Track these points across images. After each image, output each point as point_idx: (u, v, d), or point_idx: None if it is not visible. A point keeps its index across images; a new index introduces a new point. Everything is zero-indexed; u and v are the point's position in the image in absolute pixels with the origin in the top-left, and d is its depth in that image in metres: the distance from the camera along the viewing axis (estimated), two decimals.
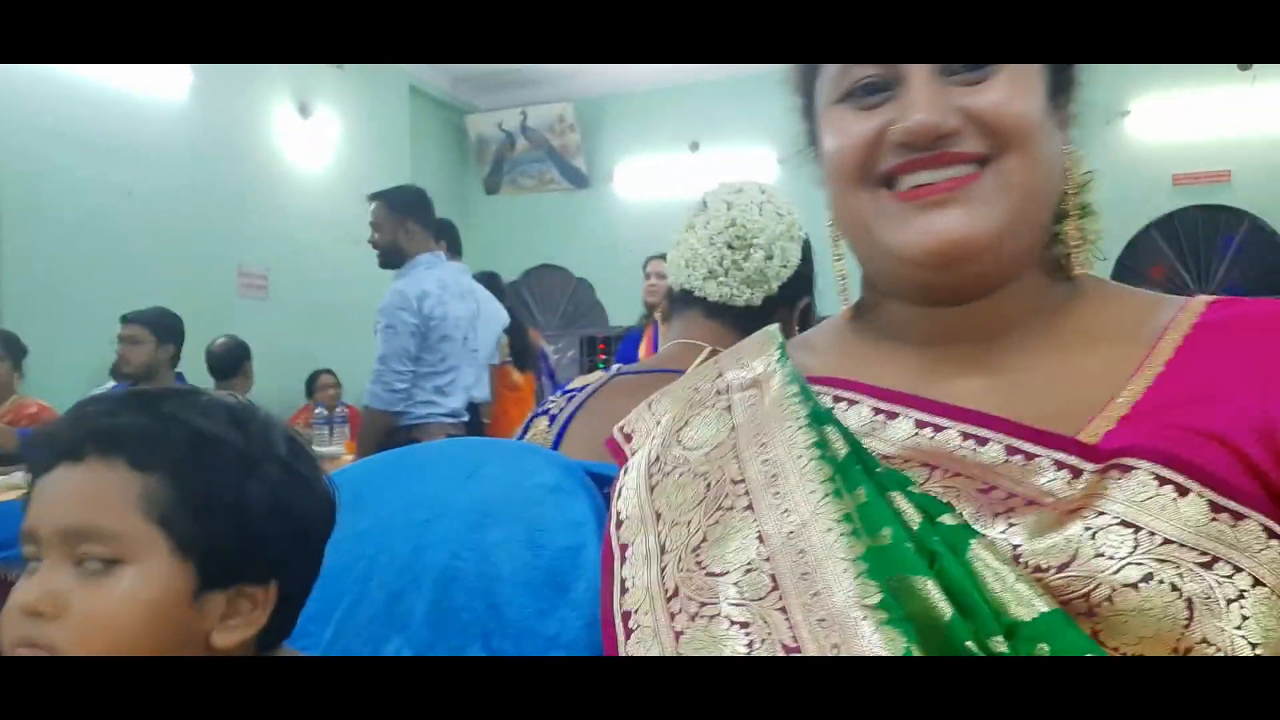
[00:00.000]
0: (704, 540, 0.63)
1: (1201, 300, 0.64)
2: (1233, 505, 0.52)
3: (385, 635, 0.88)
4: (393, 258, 3.36)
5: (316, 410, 4.75)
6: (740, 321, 1.14)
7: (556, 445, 1.09)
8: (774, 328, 0.78)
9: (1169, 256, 6.24)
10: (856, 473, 0.60)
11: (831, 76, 0.66)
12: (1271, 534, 0.52)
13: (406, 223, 3.34)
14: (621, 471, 0.76)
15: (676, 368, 1.05)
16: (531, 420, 1.16)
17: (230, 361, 4.21)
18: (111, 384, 3.67)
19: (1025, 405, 0.61)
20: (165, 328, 3.52)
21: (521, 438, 1.15)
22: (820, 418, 0.64)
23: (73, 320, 4.24)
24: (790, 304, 1.20)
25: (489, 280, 4.19)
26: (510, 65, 7.08)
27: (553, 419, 1.13)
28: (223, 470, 0.63)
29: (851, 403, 0.66)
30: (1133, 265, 6.25)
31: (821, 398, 0.67)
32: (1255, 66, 5.84)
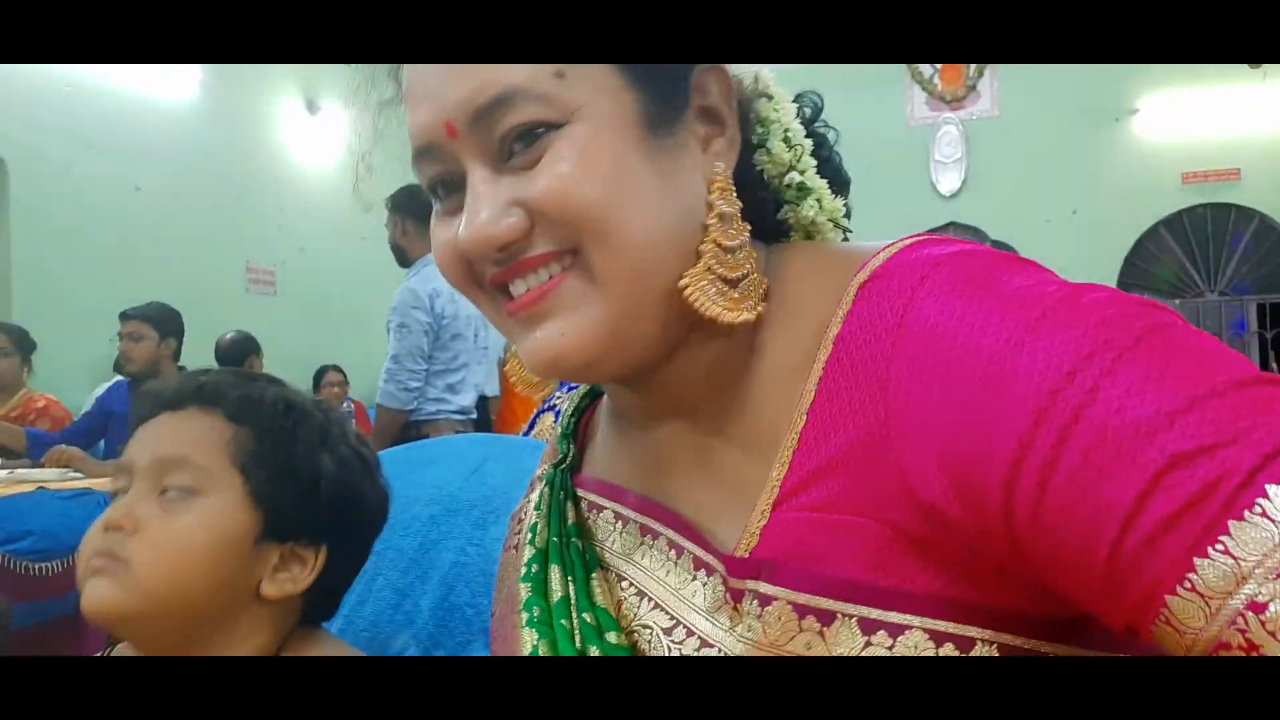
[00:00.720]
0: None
1: (854, 286, 0.52)
2: (891, 618, 0.46)
3: (392, 632, 0.89)
4: (399, 258, 3.36)
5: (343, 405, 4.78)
6: None
7: None
8: (583, 403, 0.73)
9: (1178, 254, 6.21)
10: (560, 629, 0.58)
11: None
12: (944, 635, 0.46)
13: (404, 223, 3.33)
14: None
15: None
16: (538, 416, 1.16)
17: (238, 356, 4.22)
18: (117, 379, 3.68)
19: (721, 496, 0.56)
20: (165, 322, 3.52)
21: (527, 434, 1.15)
22: (534, 579, 0.61)
23: (81, 316, 4.26)
24: None
25: None
26: None
27: (558, 414, 1.13)
28: (304, 438, 0.72)
29: (599, 509, 0.64)
30: (1141, 264, 6.23)
31: (582, 505, 0.65)
32: (1266, 65, 5.82)
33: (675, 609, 0.55)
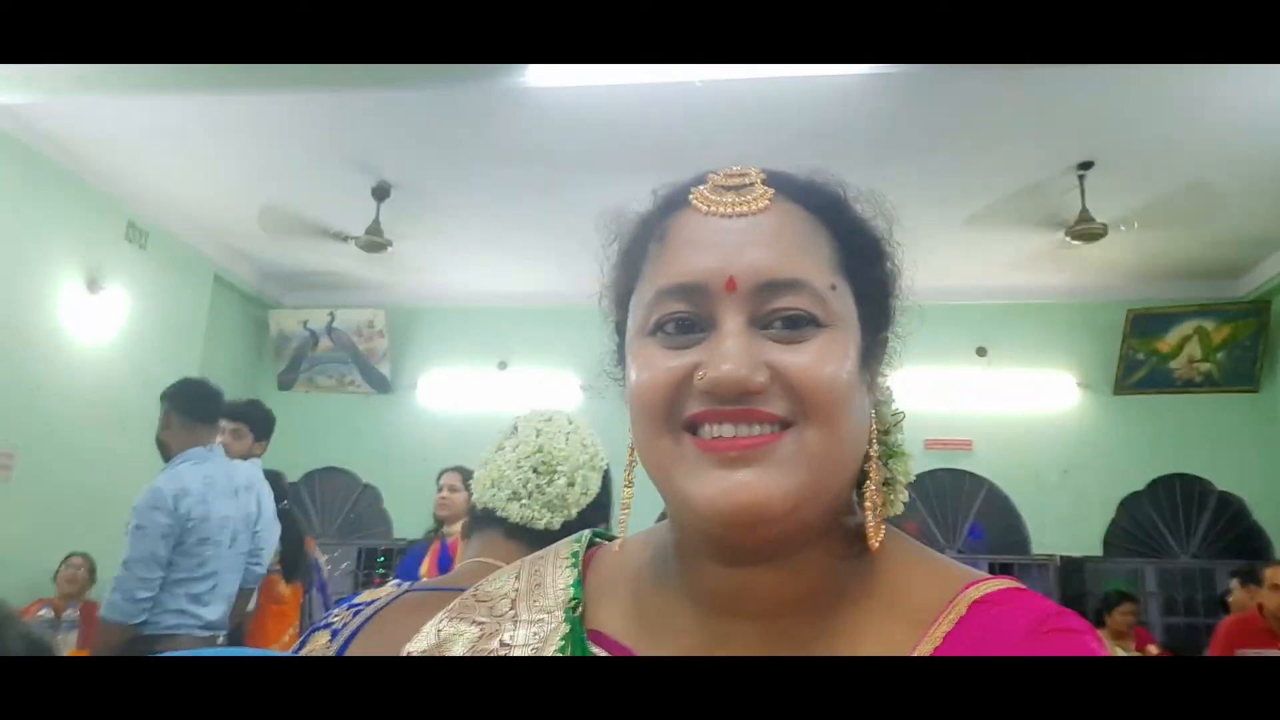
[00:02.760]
0: None
1: (966, 599, 0.62)
2: None
3: None
4: (162, 452, 3.15)
5: (40, 612, 4.19)
6: (538, 544, 1.18)
7: None
8: (578, 548, 0.75)
9: (921, 512, 6.84)
10: None
11: (645, 303, 0.63)
12: None
13: (168, 416, 3.16)
14: None
15: (475, 581, 1.06)
16: (311, 634, 1.11)
17: None
18: None
19: None
20: None
21: (298, 652, 1.09)
22: None
23: None
24: (585, 528, 1.25)
25: (271, 480, 3.98)
26: (323, 268, 7.11)
27: (335, 634, 1.09)
28: None
29: None
30: (890, 519, 6.78)
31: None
32: (990, 352, 6.78)
33: None
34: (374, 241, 5.87)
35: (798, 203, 0.64)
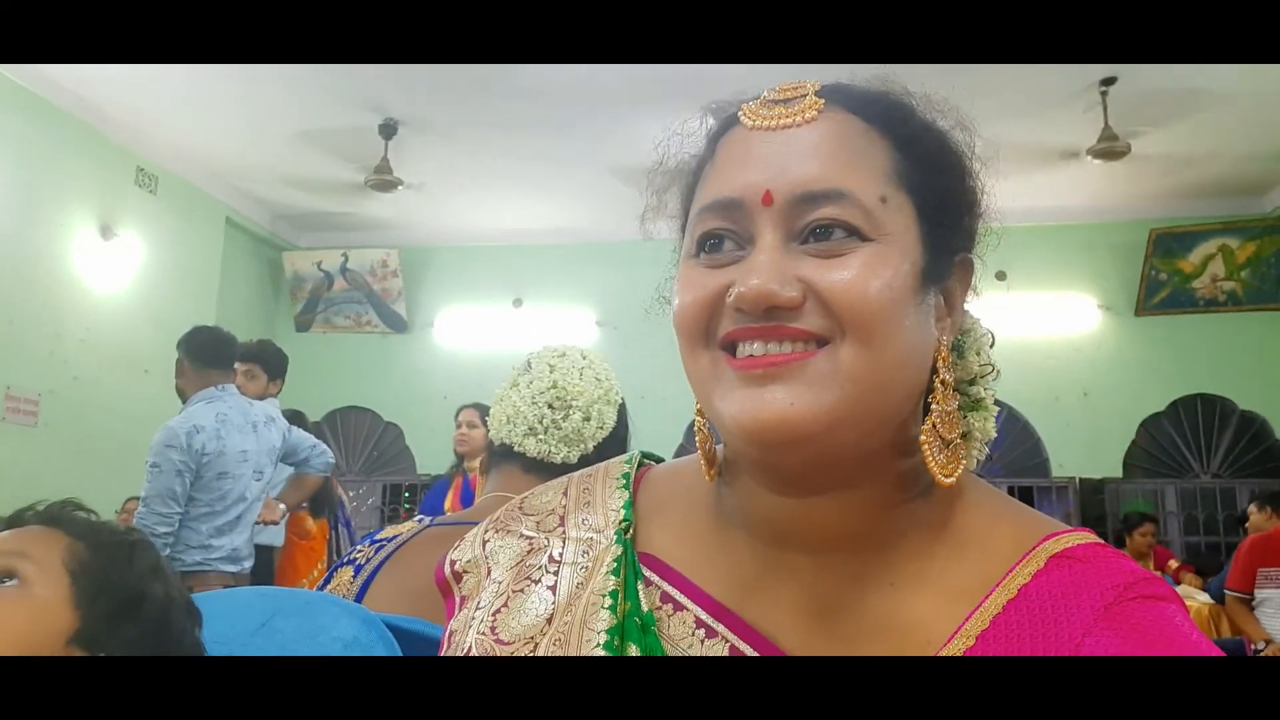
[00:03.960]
0: None
1: (1045, 551, 0.60)
2: None
3: None
4: (182, 400, 3.26)
5: None
6: (549, 473, 1.19)
7: (361, 597, 1.07)
8: (629, 468, 0.73)
9: None
10: None
11: (691, 224, 0.62)
12: None
13: (182, 364, 3.27)
14: (449, 626, 0.70)
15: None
16: (335, 570, 1.12)
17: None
18: None
19: (839, 652, 0.59)
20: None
21: (323, 588, 1.11)
22: (623, 633, 0.61)
23: None
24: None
25: (293, 419, 4.05)
26: (335, 208, 7.08)
27: (358, 569, 1.11)
28: (139, 562, 0.77)
29: (678, 607, 0.63)
30: None
31: (650, 589, 0.64)
32: (1009, 275, 6.71)
33: None
34: (384, 180, 5.82)
35: (853, 112, 0.61)
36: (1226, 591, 4.24)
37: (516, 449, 1.24)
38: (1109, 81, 5.01)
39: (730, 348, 0.58)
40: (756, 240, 0.58)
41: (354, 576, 1.10)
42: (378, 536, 1.17)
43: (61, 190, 5.29)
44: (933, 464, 0.60)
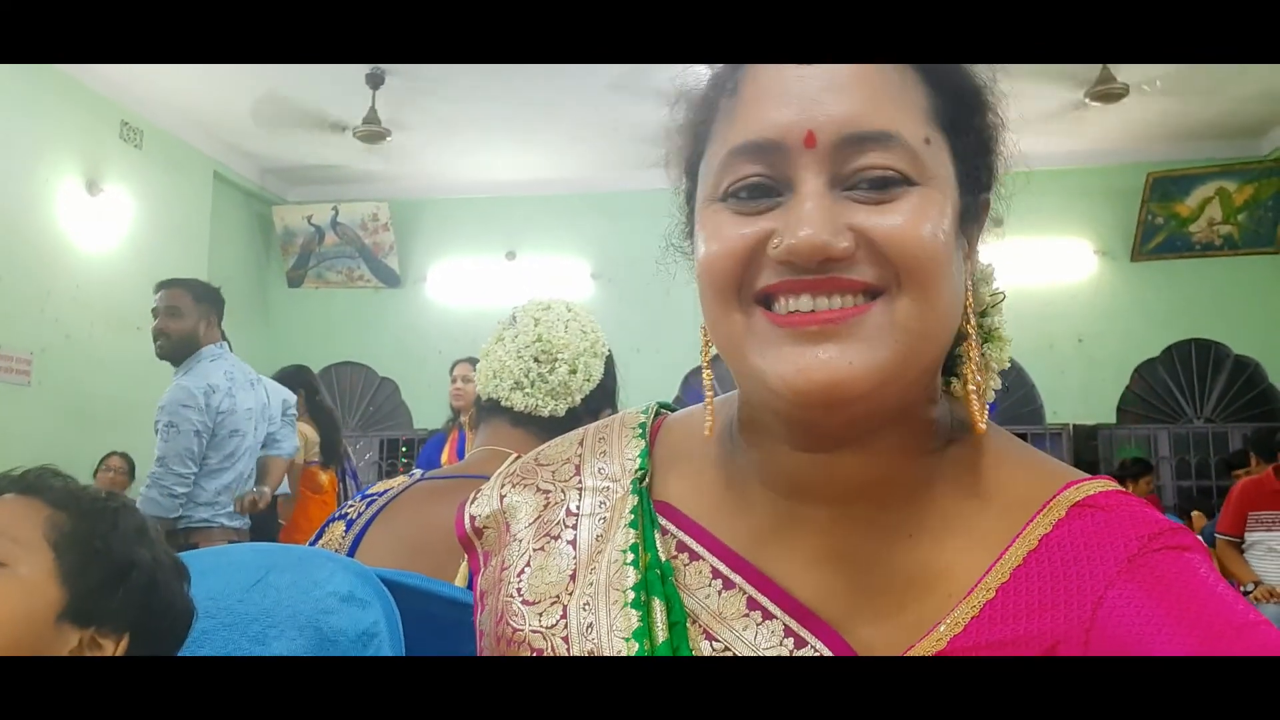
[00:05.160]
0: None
1: (1067, 499, 0.58)
2: None
3: None
4: (181, 349, 3.18)
5: None
6: (544, 431, 1.20)
7: (353, 551, 1.07)
8: (645, 418, 0.71)
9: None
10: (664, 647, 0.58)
11: (715, 167, 0.57)
12: None
13: (210, 315, 3.23)
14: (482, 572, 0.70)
15: (484, 474, 1.07)
16: (327, 525, 1.12)
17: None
18: None
19: (858, 604, 0.58)
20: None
21: (315, 543, 1.11)
22: (646, 587, 0.60)
23: None
24: (593, 415, 1.26)
25: (298, 374, 4.08)
26: (323, 161, 6.99)
27: (350, 524, 1.11)
28: (123, 528, 0.74)
29: (694, 556, 0.62)
30: None
31: (667, 537, 0.63)
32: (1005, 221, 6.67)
33: None
34: (372, 131, 5.74)
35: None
36: (1217, 535, 4.29)
37: (504, 403, 1.24)
38: None
39: (765, 301, 0.55)
40: (798, 185, 0.53)
41: (345, 531, 1.10)
42: (369, 491, 1.17)
43: (45, 145, 5.21)
44: (976, 413, 0.58)
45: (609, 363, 1.30)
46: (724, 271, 0.55)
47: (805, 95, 0.54)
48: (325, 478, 4.17)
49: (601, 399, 1.27)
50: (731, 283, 0.55)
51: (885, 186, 0.53)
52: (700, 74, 0.62)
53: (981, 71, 0.60)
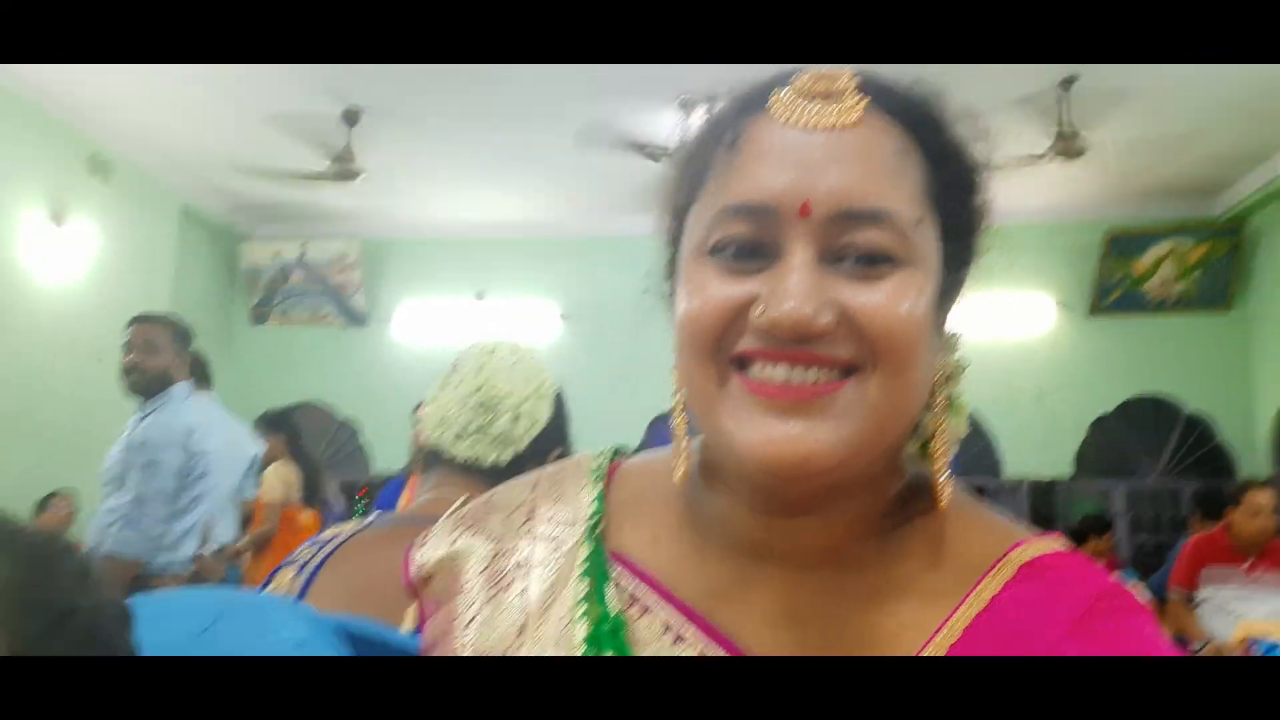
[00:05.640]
0: None
1: (1016, 559, 0.59)
2: None
3: None
4: (154, 385, 3.12)
5: None
6: (488, 478, 1.19)
7: (301, 597, 1.05)
8: (601, 462, 0.70)
9: None
10: None
11: (706, 220, 0.57)
12: None
13: (184, 352, 3.19)
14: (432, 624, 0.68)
15: (437, 517, 1.06)
16: (276, 572, 1.11)
17: None
18: None
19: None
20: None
21: (263, 589, 1.09)
22: (597, 641, 0.59)
23: None
24: (541, 457, 1.25)
25: (283, 417, 4.11)
26: (294, 199, 6.97)
27: (300, 568, 1.09)
28: (62, 573, 0.68)
29: (646, 609, 0.61)
30: None
31: (620, 584, 0.62)
32: None
33: None
34: (346, 169, 5.75)
35: (893, 117, 0.56)
36: (1170, 589, 4.33)
37: (446, 454, 1.22)
38: (1068, 82, 5.09)
39: (741, 363, 0.55)
40: (786, 253, 0.53)
41: (295, 576, 1.08)
42: (320, 537, 1.15)
43: (9, 174, 5.15)
44: (941, 490, 0.59)
45: (558, 402, 1.28)
46: (705, 330, 0.55)
47: (805, 162, 0.54)
48: (307, 518, 4.14)
49: (550, 440, 1.26)
50: (711, 342, 0.55)
51: (873, 263, 0.54)
52: (701, 121, 0.62)
53: (978, 150, 0.61)
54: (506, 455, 1.21)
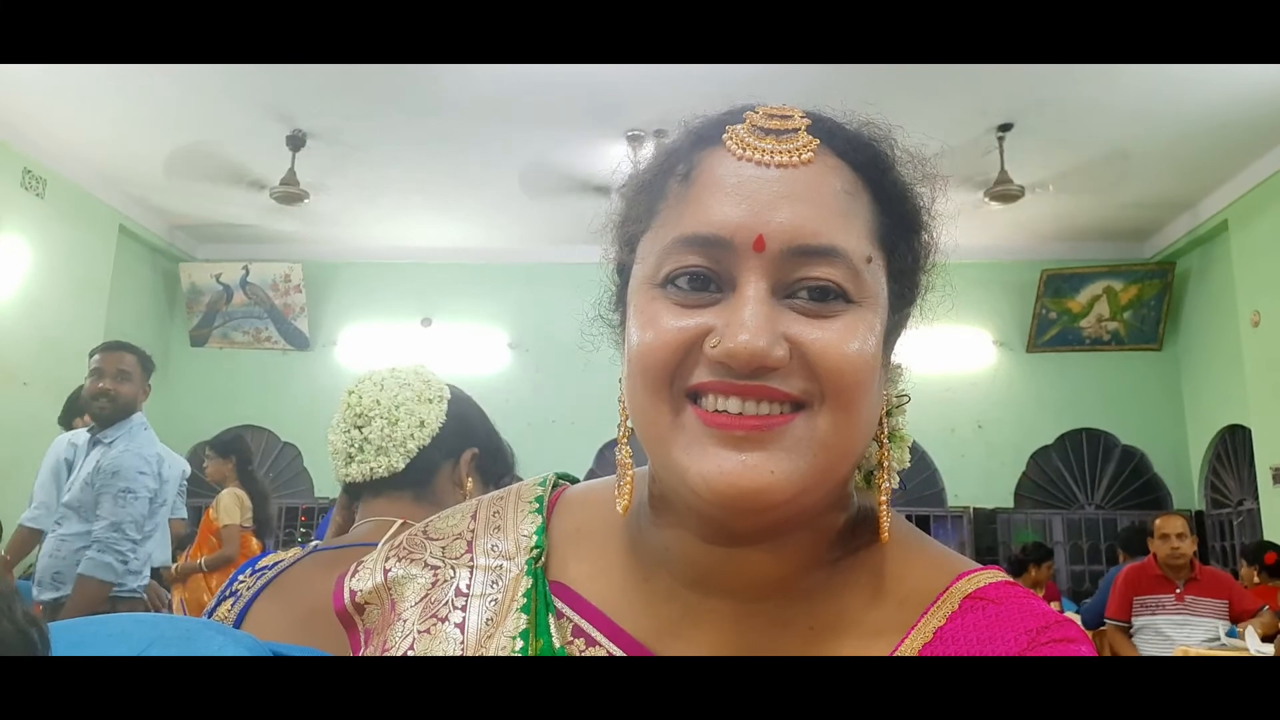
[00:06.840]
0: None
1: (959, 591, 0.59)
2: None
3: None
4: (122, 413, 3.15)
5: None
6: (399, 487, 1.20)
7: (238, 625, 1.02)
8: (542, 490, 0.69)
9: None
10: None
11: (657, 250, 0.57)
12: None
13: (147, 382, 3.26)
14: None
15: (372, 542, 1.04)
16: (218, 604, 1.08)
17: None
18: None
19: None
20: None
21: (209, 618, 1.06)
22: None
23: None
24: (450, 458, 1.24)
25: (234, 442, 4.22)
26: (236, 220, 6.86)
27: (237, 598, 1.06)
28: None
29: (591, 642, 0.60)
30: None
31: (562, 621, 0.61)
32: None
33: None
34: (289, 193, 5.68)
35: (842, 158, 0.57)
36: (1106, 621, 4.43)
37: (348, 481, 1.22)
38: (1005, 128, 5.26)
39: (694, 396, 0.55)
40: (740, 286, 0.54)
41: (233, 605, 1.05)
42: (259, 564, 1.12)
43: None
44: (884, 522, 0.59)
45: (456, 404, 1.27)
46: (658, 363, 0.55)
47: (759, 197, 0.54)
48: (257, 546, 4.15)
49: (456, 440, 1.25)
50: (665, 375, 0.55)
51: (824, 299, 0.54)
52: (653, 152, 0.62)
53: (923, 192, 0.61)
54: (399, 462, 1.20)
